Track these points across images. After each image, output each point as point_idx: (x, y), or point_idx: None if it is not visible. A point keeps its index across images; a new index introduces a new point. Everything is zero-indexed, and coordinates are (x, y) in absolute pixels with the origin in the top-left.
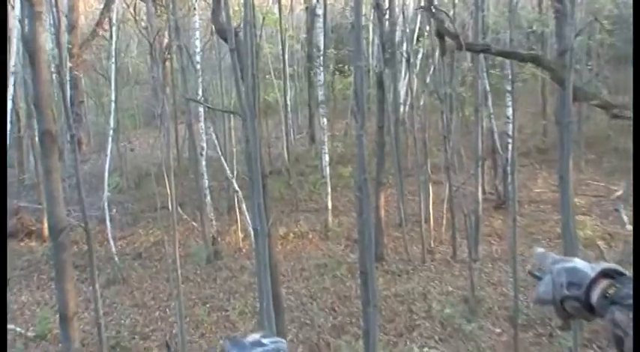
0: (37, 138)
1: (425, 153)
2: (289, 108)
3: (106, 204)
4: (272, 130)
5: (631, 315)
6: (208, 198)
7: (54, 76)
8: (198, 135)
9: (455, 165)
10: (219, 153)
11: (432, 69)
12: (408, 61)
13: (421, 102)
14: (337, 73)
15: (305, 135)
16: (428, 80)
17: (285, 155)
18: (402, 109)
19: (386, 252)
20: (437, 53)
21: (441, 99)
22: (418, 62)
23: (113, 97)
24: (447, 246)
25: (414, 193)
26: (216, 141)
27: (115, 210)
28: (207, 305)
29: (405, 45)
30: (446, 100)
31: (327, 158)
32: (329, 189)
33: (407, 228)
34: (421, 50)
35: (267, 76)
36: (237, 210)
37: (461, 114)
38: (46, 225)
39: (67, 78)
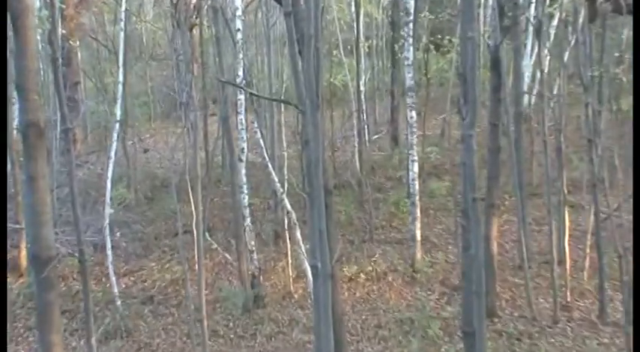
0: (15, 132)
1: (559, 163)
2: (363, 97)
3: (107, 225)
4: (339, 127)
5: None
6: (248, 220)
7: (41, 46)
8: (237, 132)
9: (605, 181)
10: (266, 158)
11: (572, 41)
12: (537, 30)
13: (554, 90)
14: (432, 47)
15: (385, 135)
16: (566, 58)
17: (357, 163)
18: (525, 100)
19: (499, 305)
20: (581, 18)
21: (585, 86)
22: (552, 32)
23: (121, 78)
24: (592, 300)
25: (542, 221)
26: (261, 142)
27: (119, 234)
28: None
29: (533, 7)
30: (592, 87)
31: (415, 168)
32: (418, 213)
33: (531, 271)
34: (557, 14)
35: (335, 52)
36: (288, 238)
37: (615, 107)
38: (25, 253)
39: (61, 50)
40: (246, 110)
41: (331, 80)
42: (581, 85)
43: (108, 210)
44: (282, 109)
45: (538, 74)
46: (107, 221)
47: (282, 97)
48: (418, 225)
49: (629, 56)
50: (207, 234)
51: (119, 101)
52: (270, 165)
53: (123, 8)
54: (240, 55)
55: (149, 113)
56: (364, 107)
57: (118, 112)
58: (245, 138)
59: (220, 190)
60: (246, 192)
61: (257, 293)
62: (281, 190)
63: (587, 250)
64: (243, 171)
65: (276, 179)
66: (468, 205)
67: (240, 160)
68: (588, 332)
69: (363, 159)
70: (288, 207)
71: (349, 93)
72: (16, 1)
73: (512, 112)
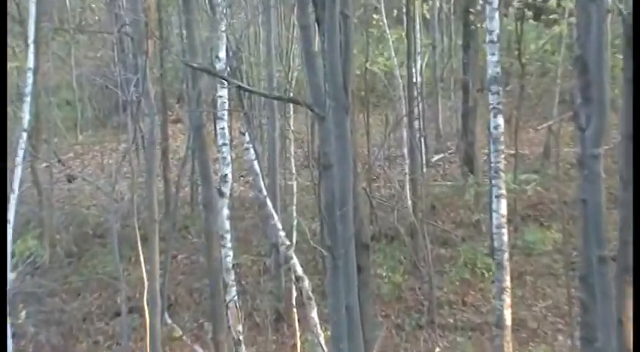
0: None
1: None
2: (419, 93)
3: (5, 300)
4: (379, 142)
5: None
6: (233, 292)
7: None
8: (215, 150)
9: None
10: (262, 190)
11: None
12: None
13: None
14: (530, 14)
15: (453, 155)
16: None
17: (409, 199)
18: None
19: None
20: None
21: None
22: None
23: (30, 61)
24: None
25: None
26: (255, 166)
27: (24, 315)
28: None
29: None
30: None
31: (503, 208)
32: (507, 280)
33: None
34: None
35: (374, 21)
36: (297, 321)
37: None
38: None
39: None
40: (230, 114)
41: (367, 66)
42: None
43: (10, 276)
44: (290, 113)
45: None
46: (6, 293)
47: (290, 95)
48: (508, 300)
49: None
50: (166, 315)
51: (27, 99)
52: (269, 203)
53: None
54: (222, 27)
55: (74, 119)
56: (420, 109)
57: (26, 117)
58: (229, 159)
59: (188, 243)
60: (229, 245)
61: None
62: (287, 243)
63: None
64: (226, 213)
65: (279, 225)
66: (590, 269)
67: (221, 194)
68: None
69: (418, 193)
70: (299, 270)
71: (396, 88)
72: None
73: None
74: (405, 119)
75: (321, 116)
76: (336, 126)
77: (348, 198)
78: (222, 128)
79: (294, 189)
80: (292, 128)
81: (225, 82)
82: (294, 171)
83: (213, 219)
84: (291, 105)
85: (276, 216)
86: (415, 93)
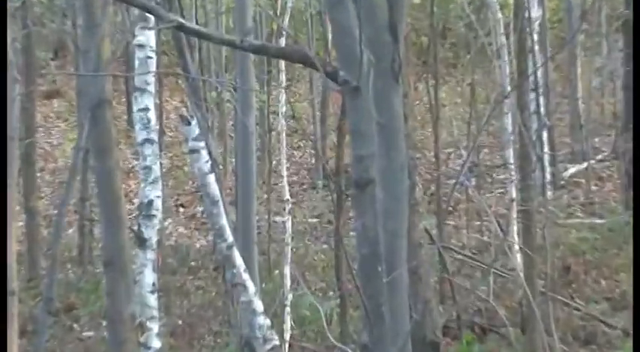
0: None
1: None
2: (536, 43)
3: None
4: (455, 133)
5: None
6: None
7: None
8: (130, 151)
9: None
10: (224, 232)
11: None
12: None
13: None
14: None
15: (605, 166)
16: None
17: (516, 251)
18: None
19: None
20: None
21: None
22: None
23: None
24: None
25: None
26: (210, 182)
27: None
28: None
29: None
30: None
31: None
32: None
33: None
34: None
35: None
36: None
37: None
38: None
39: None
40: (160, 83)
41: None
42: None
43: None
44: (280, 80)
45: None
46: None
47: (283, 42)
48: None
49: None
50: None
51: None
52: (237, 259)
53: None
54: None
55: None
56: (541, 76)
57: None
58: (156, 171)
59: (74, 337)
60: (157, 345)
61: None
62: (273, 339)
63: None
64: (150, 278)
65: (257, 305)
66: None
67: (141, 241)
68: None
69: (536, 241)
70: None
71: (491, 31)
72: None
73: None
74: (510, 100)
75: (351, 87)
76: (379, 107)
77: (401, 250)
78: (144, 109)
79: (289, 231)
80: (284, 109)
81: (152, 17)
82: (287, 195)
83: (125, 290)
84: (282, 63)
85: (251, 287)
86: (530, 42)
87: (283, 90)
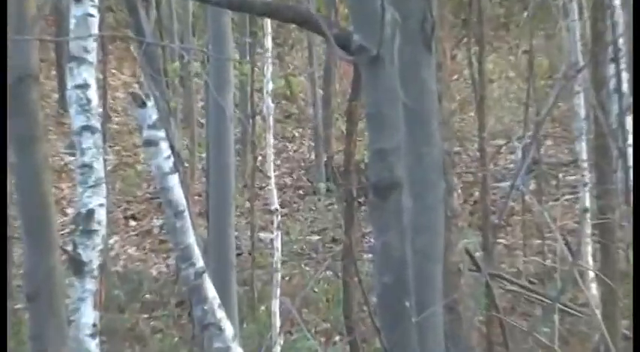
0: None
1: None
2: None
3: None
4: (507, 119)
5: None
6: None
7: None
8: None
9: None
10: (191, 253)
11: None
12: None
13: None
14: None
15: None
16: None
17: (593, 284)
18: None
19: None
20: None
21: None
22: None
23: None
24: None
25: None
26: (172, 185)
27: None
28: None
29: None
30: None
31: None
32: None
33: None
34: None
35: None
36: None
37: None
38: None
39: None
40: (104, 50)
41: None
42: None
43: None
44: (266, 45)
45: None
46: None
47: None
48: None
49: None
50: None
51: None
52: (209, 291)
53: None
54: None
55: None
56: (622, 51)
57: None
58: (99, 170)
59: None
60: None
61: None
62: None
63: None
64: (91, 317)
65: None
66: None
67: (77, 267)
68: None
69: (616, 266)
70: None
71: None
72: None
73: None
74: (585, 69)
75: (369, 56)
76: (406, 83)
77: (436, 278)
78: (82, 86)
79: (279, 252)
80: (270, 86)
81: None
82: (276, 203)
83: (56, 333)
84: (270, 24)
85: (229, 328)
86: None
87: (270, 61)
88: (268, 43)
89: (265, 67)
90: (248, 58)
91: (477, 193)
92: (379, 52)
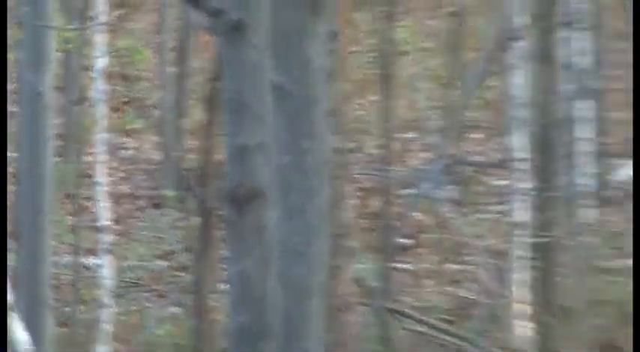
0: None
1: None
2: None
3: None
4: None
5: None
6: None
7: None
8: None
9: None
10: None
11: None
12: None
13: None
14: None
15: None
16: None
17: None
18: None
19: None
20: None
21: None
22: None
23: None
24: None
25: None
26: None
27: None
28: None
29: None
30: None
31: None
32: None
33: None
34: None
35: None
36: None
37: None
38: None
39: None
40: None
41: None
42: None
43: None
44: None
45: None
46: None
47: None
48: None
49: None
50: None
51: None
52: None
53: None
54: None
55: None
56: (577, 12)
57: None
58: None
59: None
60: None
61: None
62: None
63: None
64: None
65: None
66: None
67: None
68: None
69: (557, 300)
70: None
71: None
72: None
73: None
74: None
75: (231, 22)
76: (282, 59)
77: (311, 317)
78: None
79: (110, 282)
80: (102, 62)
81: None
82: (106, 218)
83: None
84: None
85: None
86: None
87: (104, 27)
88: (101, 1)
89: (97, 36)
90: (75, 24)
91: (376, 203)
92: (244, 17)
